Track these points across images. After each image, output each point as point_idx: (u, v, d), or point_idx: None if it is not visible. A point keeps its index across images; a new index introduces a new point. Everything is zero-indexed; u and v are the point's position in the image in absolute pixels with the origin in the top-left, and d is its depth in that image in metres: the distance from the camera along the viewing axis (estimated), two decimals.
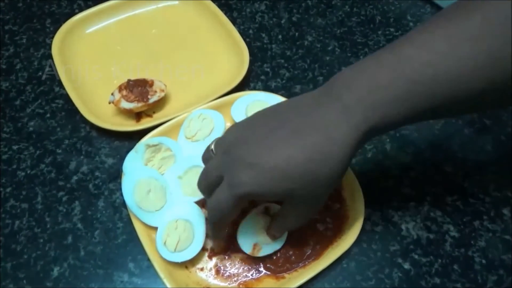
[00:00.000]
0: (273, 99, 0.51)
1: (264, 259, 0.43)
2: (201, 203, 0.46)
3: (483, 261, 0.44)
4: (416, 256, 0.44)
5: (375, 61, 0.33)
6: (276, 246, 0.42)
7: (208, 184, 0.37)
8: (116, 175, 0.49)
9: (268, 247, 0.42)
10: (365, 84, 0.32)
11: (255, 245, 0.42)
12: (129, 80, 0.52)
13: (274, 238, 0.42)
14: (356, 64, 0.34)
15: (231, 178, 0.34)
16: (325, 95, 0.34)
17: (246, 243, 0.42)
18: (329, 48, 0.60)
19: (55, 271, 0.43)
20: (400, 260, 0.44)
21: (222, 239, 0.43)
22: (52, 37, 0.58)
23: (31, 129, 0.53)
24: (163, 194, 0.45)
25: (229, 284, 0.42)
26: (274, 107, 0.37)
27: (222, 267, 0.43)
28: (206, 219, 0.45)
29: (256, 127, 0.36)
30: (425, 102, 0.32)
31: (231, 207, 0.35)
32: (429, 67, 0.31)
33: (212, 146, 0.38)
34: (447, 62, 0.31)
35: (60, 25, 0.59)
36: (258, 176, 0.33)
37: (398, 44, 0.33)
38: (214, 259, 0.43)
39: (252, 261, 0.43)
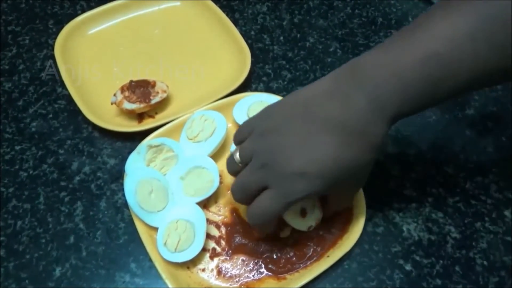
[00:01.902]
0: (275, 100, 0.52)
1: (265, 260, 0.43)
2: (202, 204, 0.46)
3: (485, 263, 0.44)
4: (417, 258, 0.44)
5: (398, 46, 0.33)
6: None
7: (247, 196, 0.38)
8: (118, 175, 0.49)
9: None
10: (392, 71, 0.33)
11: None
12: (131, 81, 0.53)
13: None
14: (378, 49, 0.34)
15: (283, 189, 0.35)
16: (349, 85, 0.34)
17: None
18: (331, 50, 0.61)
19: (57, 271, 0.43)
20: (401, 262, 0.44)
21: (271, 231, 0.43)
22: (55, 38, 0.58)
23: (33, 129, 0.53)
24: (165, 194, 0.45)
25: (230, 285, 0.42)
26: (290, 101, 0.37)
27: (223, 268, 0.43)
28: (207, 220, 0.45)
29: (285, 131, 0.36)
30: (456, 83, 0.32)
31: (282, 210, 0.37)
32: (455, 48, 0.31)
33: (237, 156, 0.39)
34: (473, 41, 0.31)
35: (63, 26, 0.59)
36: (311, 182, 0.34)
37: (420, 25, 0.33)
38: (216, 260, 0.43)
39: (254, 262, 0.43)
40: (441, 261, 0.44)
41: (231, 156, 0.40)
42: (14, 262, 0.44)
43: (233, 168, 0.40)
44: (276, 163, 0.35)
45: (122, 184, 0.47)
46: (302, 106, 0.36)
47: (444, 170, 0.50)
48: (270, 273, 0.42)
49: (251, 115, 0.51)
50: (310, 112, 0.35)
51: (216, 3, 0.62)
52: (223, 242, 0.44)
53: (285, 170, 0.35)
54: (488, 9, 0.31)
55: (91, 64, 0.57)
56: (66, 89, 0.53)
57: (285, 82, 0.57)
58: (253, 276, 0.42)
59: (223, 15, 0.60)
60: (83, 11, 0.61)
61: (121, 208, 0.47)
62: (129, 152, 0.48)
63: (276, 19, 0.64)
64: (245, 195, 0.38)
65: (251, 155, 0.37)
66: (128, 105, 0.51)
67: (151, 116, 0.53)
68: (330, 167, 0.34)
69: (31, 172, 0.49)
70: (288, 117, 0.36)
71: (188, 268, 0.43)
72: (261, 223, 0.38)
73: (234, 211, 0.46)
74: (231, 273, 0.43)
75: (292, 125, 0.35)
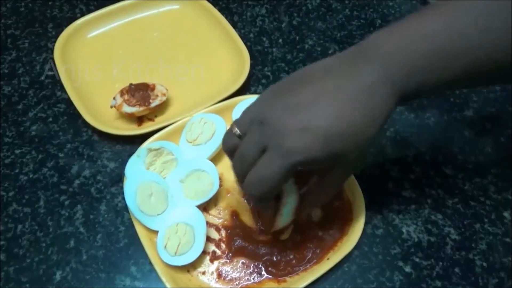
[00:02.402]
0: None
1: (265, 263, 0.43)
2: (202, 207, 0.46)
3: (484, 264, 0.44)
4: (417, 259, 0.44)
5: (412, 28, 0.34)
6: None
7: (248, 165, 0.35)
8: (117, 179, 0.49)
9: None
10: (404, 49, 0.33)
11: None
12: (130, 84, 0.53)
13: (306, 213, 0.41)
14: (389, 29, 0.35)
15: (282, 147, 0.32)
16: (361, 57, 0.34)
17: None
18: (330, 52, 0.61)
19: (58, 275, 0.43)
20: (401, 263, 0.44)
21: (270, 209, 0.40)
22: (54, 42, 0.58)
23: (33, 133, 0.53)
24: (165, 198, 0.45)
25: (231, 287, 0.42)
26: (296, 74, 0.36)
27: (223, 271, 0.43)
28: (207, 223, 0.45)
29: (290, 94, 0.34)
30: (464, 69, 0.33)
31: (282, 177, 0.33)
32: (467, 34, 0.32)
33: (236, 129, 0.36)
34: (484, 30, 0.32)
35: (62, 30, 0.59)
36: (313, 141, 0.32)
37: (434, 9, 0.34)
38: (216, 263, 0.44)
39: (254, 265, 0.43)
40: (440, 263, 0.44)
41: (228, 130, 0.37)
42: (14, 266, 0.44)
43: (230, 141, 0.37)
44: (277, 119, 0.33)
45: (122, 188, 0.47)
46: (308, 77, 0.35)
47: (443, 171, 0.50)
48: (270, 276, 0.43)
49: None
50: (320, 80, 0.34)
51: (215, 6, 0.62)
52: (223, 245, 0.45)
53: (285, 125, 0.32)
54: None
55: (91, 67, 0.58)
56: (66, 93, 0.54)
57: None
58: (253, 279, 0.43)
59: (222, 18, 0.60)
60: (83, 15, 0.62)
61: (121, 211, 0.47)
62: (129, 156, 0.48)
63: (275, 21, 0.64)
64: (245, 164, 0.35)
65: (251, 120, 0.35)
66: (127, 109, 0.51)
67: (151, 119, 0.53)
68: (333, 128, 0.32)
69: (31, 175, 0.50)
70: (294, 85, 0.35)
71: (188, 271, 0.43)
72: (260, 193, 0.35)
73: (234, 214, 0.46)
74: (231, 276, 0.43)
75: (299, 90, 0.34)
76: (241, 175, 0.36)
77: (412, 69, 0.33)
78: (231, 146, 0.37)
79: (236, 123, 0.36)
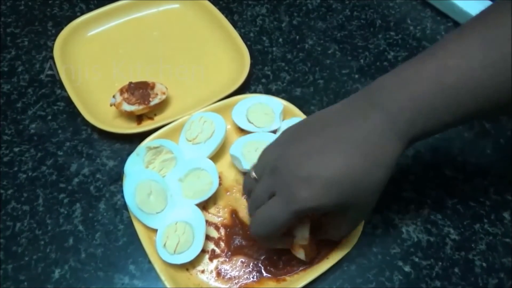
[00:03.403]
0: (274, 102, 0.52)
1: (264, 262, 0.43)
2: (201, 206, 0.46)
3: (484, 264, 0.44)
4: (416, 259, 0.44)
5: (414, 71, 0.34)
6: None
7: (258, 208, 0.37)
8: (117, 177, 0.49)
9: None
10: (408, 94, 0.33)
11: None
12: (130, 83, 0.53)
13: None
14: (394, 73, 0.35)
15: (288, 195, 0.34)
16: (368, 105, 0.35)
17: None
18: (330, 52, 0.61)
19: (56, 273, 0.43)
20: (400, 263, 0.44)
21: (278, 244, 0.41)
22: (54, 40, 0.58)
23: (32, 131, 0.53)
24: (164, 196, 0.45)
25: (230, 286, 0.42)
26: (310, 119, 0.38)
27: (223, 270, 0.43)
28: (207, 221, 0.45)
29: (301, 142, 0.36)
30: (468, 109, 0.33)
31: (285, 222, 0.35)
32: (469, 76, 0.32)
33: (253, 173, 0.38)
34: (486, 69, 0.32)
35: (62, 28, 0.59)
36: (316, 191, 0.33)
37: (434, 52, 0.34)
38: (215, 262, 0.43)
39: (253, 263, 0.43)
40: (440, 263, 0.44)
41: (247, 174, 0.40)
42: (12, 264, 0.44)
43: (248, 185, 0.39)
44: (285, 168, 0.34)
45: (121, 186, 0.47)
46: (319, 124, 0.36)
47: (442, 172, 0.50)
48: (269, 275, 0.42)
49: (250, 117, 0.51)
50: (329, 127, 0.35)
51: (215, 5, 0.62)
52: (222, 244, 0.44)
53: (292, 174, 0.34)
54: (498, 37, 0.32)
55: (90, 66, 0.57)
56: (65, 91, 0.54)
57: (284, 84, 0.57)
58: (252, 277, 0.42)
59: (222, 17, 0.60)
60: (82, 13, 0.61)
61: (120, 210, 0.47)
62: (128, 154, 0.48)
63: (275, 21, 0.64)
64: (256, 207, 0.37)
65: (264, 166, 0.37)
66: (127, 107, 0.51)
67: (150, 118, 0.53)
68: (339, 177, 0.33)
69: (30, 174, 0.49)
70: (305, 132, 0.36)
71: (187, 269, 0.43)
72: (264, 233, 0.36)
73: (233, 212, 0.46)
74: (230, 275, 0.43)
75: (309, 138, 0.35)
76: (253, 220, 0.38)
77: (416, 112, 0.33)
78: (249, 189, 0.39)
79: (254, 167, 0.39)
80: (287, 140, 0.37)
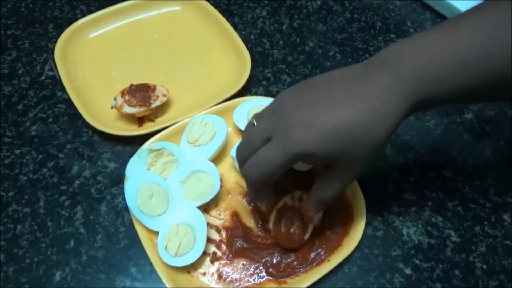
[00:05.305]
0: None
1: (266, 264, 0.43)
2: (203, 208, 0.46)
3: (484, 267, 0.44)
4: (417, 261, 0.44)
5: (426, 40, 0.34)
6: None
7: (251, 149, 0.36)
8: (118, 179, 0.49)
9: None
10: (419, 58, 0.34)
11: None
12: (131, 85, 0.53)
13: (311, 214, 0.40)
14: (406, 41, 0.35)
15: (285, 137, 0.33)
16: (378, 66, 0.35)
17: None
18: (330, 54, 0.61)
19: (57, 276, 0.43)
20: (401, 265, 0.44)
21: (264, 200, 0.41)
22: (55, 42, 0.58)
23: (33, 133, 0.53)
24: (166, 198, 0.45)
25: None
26: (316, 77, 0.37)
27: (224, 272, 0.43)
28: (208, 224, 0.45)
29: (305, 92, 0.35)
30: (476, 81, 0.33)
31: (281, 165, 0.34)
32: (482, 49, 0.33)
33: (254, 120, 0.37)
34: (495, 42, 0.32)
35: (63, 30, 0.59)
36: (315, 136, 0.33)
37: (447, 25, 0.35)
38: (216, 264, 0.43)
39: (254, 266, 0.43)
40: (440, 265, 0.44)
41: (248, 122, 0.39)
42: (14, 266, 0.44)
43: (247, 132, 0.39)
44: (285, 112, 0.34)
45: (122, 188, 0.47)
46: (329, 78, 0.36)
47: (443, 174, 0.50)
48: (271, 277, 0.42)
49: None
50: (335, 82, 0.35)
51: (216, 8, 0.62)
52: (223, 246, 0.44)
53: (292, 117, 0.34)
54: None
55: (91, 68, 0.57)
56: (66, 93, 0.54)
57: (285, 86, 0.57)
58: (253, 280, 0.43)
59: (223, 20, 0.60)
60: (83, 15, 0.61)
61: (121, 212, 0.47)
62: (129, 156, 0.48)
63: (276, 23, 0.64)
64: (249, 148, 0.36)
65: (266, 111, 0.37)
66: (128, 109, 0.51)
67: (151, 120, 0.53)
68: (338, 127, 0.33)
69: (31, 176, 0.49)
70: (315, 84, 0.36)
71: (188, 272, 0.43)
72: (257, 177, 0.36)
73: (234, 215, 0.46)
74: (231, 277, 0.43)
75: (315, 88, 0.35)
76: (242, 159, 0.37)
77: (424, 76, 0.33)
78: (248, 137, 0.38)
79: (256, 115, 0.38)
80: (292, 91, 0.37)
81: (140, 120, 0.53)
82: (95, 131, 0.52)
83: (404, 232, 0.46)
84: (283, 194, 0.44)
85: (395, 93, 0.34)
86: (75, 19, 0.61)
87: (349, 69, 0.36)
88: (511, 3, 0.33)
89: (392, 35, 0.63)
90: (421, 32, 0.36)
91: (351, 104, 0.33)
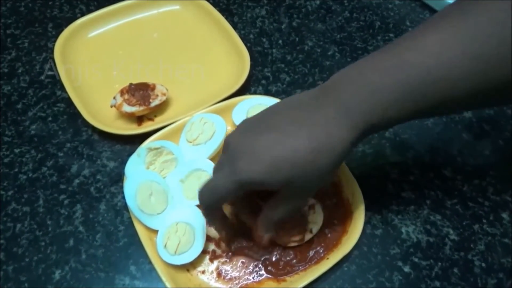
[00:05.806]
0: (274, 103, 0.52)
1: (265, 262, 0.43)
2: None
3: (483, 265, 0.44)
4: (416, 260, 0.45)
5: (371, 64, 0.34)
6: None
7: (209, 179, 0.39)
8: (117, 178, 0.49)
9: None
10: (363, 87, 0.33)
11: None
12: (131, 84, 0.53)
13: (260, 237, 0.40)
14: (353, 66, 0.35)
15: (232, 166, 0.35)
16: (325, 95, 0.35)
17: None
18: (329, 53, 0.61)
19: (57, 274, 0.43)
20: (400, 263, 0.44)
21: (216, 223, 0.42)
22: (54, 41, 0.58)
23: (33, 132, 0.53)
24: (165, 197, 0.45)
25: (230, 287, 0.42)
26: (271, 106, 0.38)
27: (223, 270, 0.43)
28: (207, 222, 0.45)
29: (257, 124, 0.37)
30: (422, 103, 0.33)
31: (228, 192, 0.36)
32: (424, 70, 0.32)
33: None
34: (442, 65, 0.32)
35: (62, 29, 0.59)
36: (261, 164, 0.34)
37: (394, 46, 0.34)
38: (216, 262, 0.44)
39: (254, 264, 0.43)
40: (439, 263, 0.44)
41: None
42: (13, 265, 0.44)
43: None
44: (235, 143, 0.36)
45: (121, 187, 0.47)
46: (281, 108, 0.37)
47: (442, 172, 0.50)
48: (270, 275, 0.43)
49: None
50: (285, 112, 0.36)
51: (215, 7, 0.62)
52: (223, 245, 0.45)
53: (240, 148, 0.35)
54: (455, 35, 0.32)
55: (91, 67, 0.58)
56: (66, 92, 0.54)
57: (284, 85, 0.58)
58: (252, 278, 0.43)
59: (222, 19, 0.61)
60: (83, 15, 0.62)
61: (121, 210, 0.47)
62: (129, 155, 0.48)
63: (275, 22, 0.64)
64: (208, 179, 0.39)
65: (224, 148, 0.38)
66: (127, 108, 0.51)
67: (151, 119, 0.53)
68: (280, 155, 0.33)
69: (30, 175, 0.49)
70: (267, 114, 0.37)
71: (188, 270, 0.43)
72: (206, 201, 0.38)
73: (233, 213, 0.46)
74: (231, 275, 0.43)
75: (265, 119, 0.37)
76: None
77: (371, 105, 0.33)
78: None
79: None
80: (246, 122, 0.38)
81: (139, 119, 0.53)
82: (95, 130, 0.52)
83: (403, 231, 0.46)
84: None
85: (339, 125, 0.34)
86: (75, 18, 0.61)
87: (299, 97, 0.37)
88: (456, 26, 0.32)
89: (391, 35, 0.63)
90: (367, 56, 0.35)
91: (298, 134, 0.34)
